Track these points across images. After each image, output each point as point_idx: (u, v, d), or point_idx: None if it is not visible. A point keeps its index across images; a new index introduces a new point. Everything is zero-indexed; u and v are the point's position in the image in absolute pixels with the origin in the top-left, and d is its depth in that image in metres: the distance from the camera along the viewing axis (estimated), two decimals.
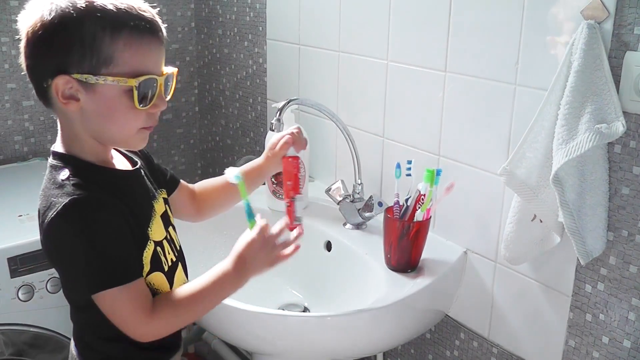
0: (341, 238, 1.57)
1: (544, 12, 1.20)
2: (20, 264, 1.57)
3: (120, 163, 1.12)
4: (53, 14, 0.96)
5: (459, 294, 1.48)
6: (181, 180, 1.33)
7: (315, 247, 1.63)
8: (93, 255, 0.99)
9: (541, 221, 1.23)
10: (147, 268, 1.07)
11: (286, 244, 1.14)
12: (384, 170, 1.64)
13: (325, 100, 1.76)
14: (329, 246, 1.61)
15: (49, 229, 0.99)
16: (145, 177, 1.15)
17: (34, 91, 1.05)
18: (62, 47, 0.97)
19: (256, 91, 2.12)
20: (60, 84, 0.97)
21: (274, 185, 1.69)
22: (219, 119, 2.38)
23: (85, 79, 0.96)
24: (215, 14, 2.28)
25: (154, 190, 1.17)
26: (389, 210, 1.41)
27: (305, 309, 1.59)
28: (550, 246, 1.23)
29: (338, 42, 1.71)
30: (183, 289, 1.07)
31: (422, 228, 1.36)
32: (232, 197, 1.36)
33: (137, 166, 1.14)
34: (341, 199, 1.62)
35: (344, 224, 1.62)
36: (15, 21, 1.03)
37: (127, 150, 1.15)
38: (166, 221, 1.17)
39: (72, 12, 0.96)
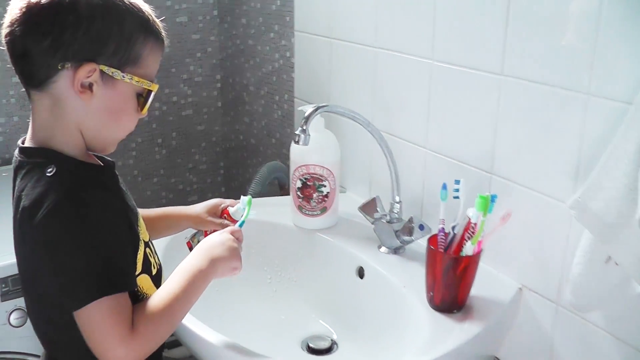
0: (375, 264, 1.37)
1: (628, 2, 0.98)
2: (12, 285, 1.41)
3: (94, 160, 1.05)
4: None
5: (510, 336, 1.27)
6: None
7: (346, 273, 1.43)
8: (89, 259, 0.91)
9: (617, 264, 1.01)
10: (138, 269, 1.02)
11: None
12: (426, 186, 1.43)
13: (360, 102, 1.55)
14: (361, 272, 1.41)
15: (39, 230, 0.91)
16: None
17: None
18: (100, 36, 0.93)
19: (282, 88, 1.92)
20: (84, 71, 0.93)
21: (300, 200, 1.49)
22: (243, 117, 2.19)
23: (112, 72, 0.95)
24: (239, 2, 2.07)
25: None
26: (432, 239, 1.20)
27: (333, 343, 1.39)
28: (628, 296, 1.02)
29: (375, 36, 1.50)
30: (157, 298, 0.98)
31: (471, 263, 1.15)
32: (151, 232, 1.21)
33: (113, 165, 1.09)
34: (376, 218, 1.42)
35: (379, 247, 1.42)
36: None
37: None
38: (144, 224, 1.11)
39: (115, 2, 0.95)
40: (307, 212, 1.50)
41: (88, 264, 0.91)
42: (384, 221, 1.40)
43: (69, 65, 0.93)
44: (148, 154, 2.23)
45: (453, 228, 1.19)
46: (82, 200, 0.92)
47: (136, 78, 0.97)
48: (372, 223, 1.43)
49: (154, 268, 1.08)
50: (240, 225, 1.13)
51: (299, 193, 1.50)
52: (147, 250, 1.06)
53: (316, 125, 1.47)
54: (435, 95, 1.36)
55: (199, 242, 1.23)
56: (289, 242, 1.55)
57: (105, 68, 0.94)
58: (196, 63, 2.23)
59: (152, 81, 1.01)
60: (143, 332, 0.93)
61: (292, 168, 1.50)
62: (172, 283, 1.00)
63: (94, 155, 1.06)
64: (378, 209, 1.43)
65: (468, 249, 1.14)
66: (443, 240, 1.19)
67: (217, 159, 2.39)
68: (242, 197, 1.21)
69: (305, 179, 1.47)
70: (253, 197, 1.79)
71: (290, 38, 1.84)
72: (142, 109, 1.02)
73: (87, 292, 0.90)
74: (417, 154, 1.43)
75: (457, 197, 1.20)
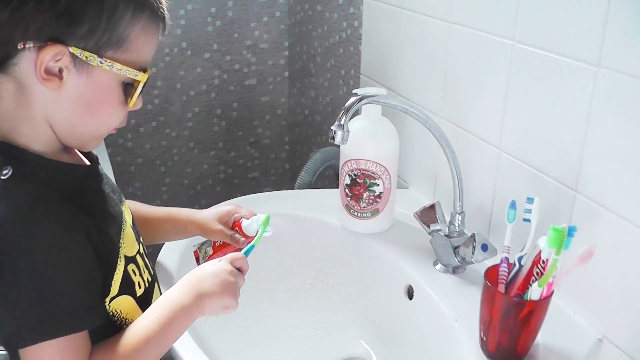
0: (427, 285, 1.14)
1: None
2: None
3: (74, 156, 0.88)
4: None
5: None
6: None
7: (394, 290, 1.21)
8: (37, 291, 0.74)
9: None
10: (113, 292, 0.83)
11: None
12: (497, 196, 1.18)
13: (429, 85, 1.32)
14: (410, 292, 1.19)
15: None
16: (105, 173, 0.93)
17: None
18: (71, 10, 0.75)
19: (349, 62, 1.69)
20: (49, 54, 0.75)
21: (348, 199, 1.28)
22: (309, 90, 1.98)
23: (86, 57, 0.76)
24: None
25: (119, 191, 0.95)
26: (491, 271, 0.96)
27: None
28: None
29: (449, 8, 1.24)
30: (127, 337, 0.80)
31: (537, 309, 0.91)
32: (155, 235, 1.10)
33: (97, 160, 0.92)
34: (433, 229, 1.18)
35: (435, 263, 1.19)
36: None
37: None
38: (137, 231, 0.95)
39: None
40: (355, 214, 1.29)
41: (36, 297, 0.73)
42: (442, 234, 1.17)
43: (31, 45, 0.75)
44: (206, 125, 2.06)
45: (519, 259, 0.95)
46: (36, 215, 0.75)
47: (119, 65, 0.78)
48: (429, 234, 1.20)
49: (141, 287, 0.90)
50: (247, 252, 0.92)
51: (347, 191, 1.28)
52: (131, 267, 0.88)
53: (371, 113, 1.25)
54: (515, 84, 1.10)
55: (206, 253, 1.05)
56: (334, 245, 1.34)
57: (77, 51, 0.76)
58: (262, 28, 2.03)
59: (142, 69, 0.82)
60: None
61: (341, 161, 1.28)
62: (147, 319, 0.82)
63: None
64: (437, 217, 1.20)
65: (534, 291, 0.89)
66: (505, 274, 0.95)
67: (281, 134, 2.19)
68: (258, 214, 1.02)
69: (355, 175, 1.25)
70: (301, 187, 1.61)
71: (359, 5, 1.60)
72: (129, 102, 0.83)
73: (33, 331, 0.73)
74: (489, 155, 1.18)
75: (527, 220, 0.95)
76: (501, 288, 0.95)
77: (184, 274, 1.04)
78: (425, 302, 1.13)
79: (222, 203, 1.17)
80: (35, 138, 0.80)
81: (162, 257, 1.19)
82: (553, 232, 0.86)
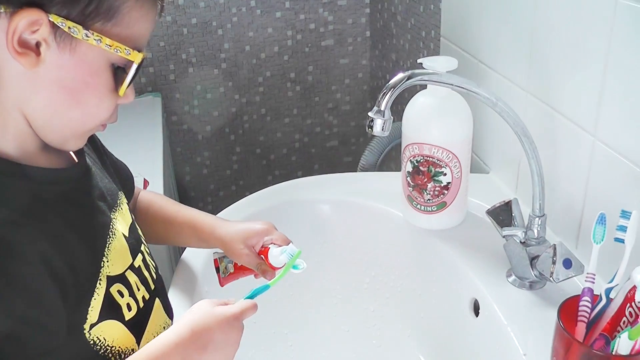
0: (495, 303, 0.93)
1: None
2: None
3: (54, 154, 0.73)
4: None
5: None
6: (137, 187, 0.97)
7: (458, 302, 1.02)
8: None
9: None
10: (92, 319, 0.69)
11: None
12: (588, 198, 0.94)
13: (513, 51, 1.09)
14: (476, 307, 0.98)
15: None
16: (98, 172, 0.80)
17: None
18: None
19: (429, 22, 1.46)
20: (24, 21, 0.61)
21: (410, 189, 1.08)
22: (390, 52, 1.76)
23: (69, 28, 0.62)
24: None
25: (114, 193, 0.81)
26: (568, 306, 0.74)
27: None
28: None
29: None
30: None
31: None
32: (176, 238, 0.98)
33: (84, 158, 0.77)
34: (506, 234, 0.96)
35: (508, 274, 0.98)
36: None
37: None
38: (135, 240, 0.81)
39: None
40: (419, 207, 1.09)
41: None
42: (517, 240, 0.95)
43: (2, 10, 0.61)
44: (279, 91, 1.90)
45: (607, 292, 0.73)
46: None
47: (108, 40, 0.64)
48: (503, 237, 0.98)
49: (131, 310, 0.75)
50: (255, 294, 0.74)
51: (409, 179, 1.08)
52: (116, 288, 0.73)
53: (438, 87, 1.04)
54: (617, 55, 0.85)
55: (227, 269, 0.91)
56: (395, 241, 1.15)
57: (58, 20, 0.62)
58: None
59: (137, 48, 0.66)
60: None
61: (403, 144, 1.08)
62: None
63: None
64: (514, 218, 0.98)
65: (623, 344, 0.67)
66: (587, 310, 0.73)
67: (363, 99, 1.99)
68: (291, 244, 0.85)
69: (417, 162, 1.05)
70: (364, 169, 1.41)
71: None
72: (119, 89, 0.68)
73: None
74: (581, 144, 0.94)
75: (620, 241, 0.73)
76: (581, 329, 0.73)
77: (208, 277, 0.90)
78: (492, 324, 0.92)
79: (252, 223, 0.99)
80: (3, 134, 0.66)
81: (187, 254, 1.04)
82: None
